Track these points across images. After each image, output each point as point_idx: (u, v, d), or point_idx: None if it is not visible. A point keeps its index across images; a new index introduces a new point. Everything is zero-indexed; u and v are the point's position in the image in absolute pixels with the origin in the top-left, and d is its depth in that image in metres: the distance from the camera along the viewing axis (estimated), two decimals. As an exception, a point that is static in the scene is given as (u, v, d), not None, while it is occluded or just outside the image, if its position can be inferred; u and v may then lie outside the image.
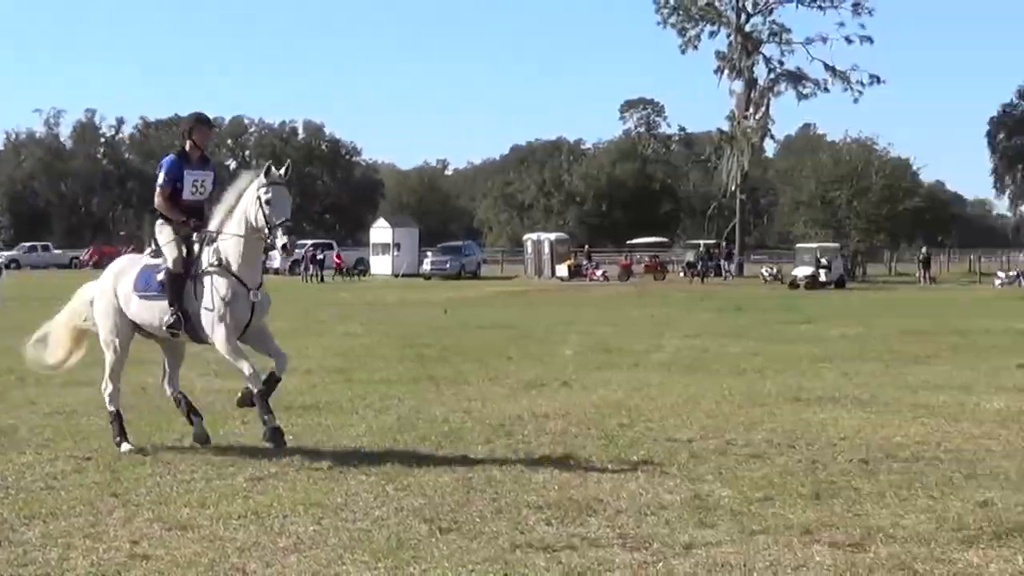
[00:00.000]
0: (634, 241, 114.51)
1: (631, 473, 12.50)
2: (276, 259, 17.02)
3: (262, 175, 13.70)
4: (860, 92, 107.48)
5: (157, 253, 14.20)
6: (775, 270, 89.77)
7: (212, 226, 13.89)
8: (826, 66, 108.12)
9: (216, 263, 13.64)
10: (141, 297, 14.05)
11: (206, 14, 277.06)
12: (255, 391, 13.45)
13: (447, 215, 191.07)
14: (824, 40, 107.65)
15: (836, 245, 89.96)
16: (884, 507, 11.09)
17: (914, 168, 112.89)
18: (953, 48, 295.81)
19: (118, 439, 14.10)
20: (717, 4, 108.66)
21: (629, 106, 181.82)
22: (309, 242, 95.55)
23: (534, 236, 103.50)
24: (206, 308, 13.58)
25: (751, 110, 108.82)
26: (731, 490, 11.76)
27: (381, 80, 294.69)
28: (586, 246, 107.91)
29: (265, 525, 10.39)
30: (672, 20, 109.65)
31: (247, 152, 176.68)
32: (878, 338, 32.44)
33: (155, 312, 13.92)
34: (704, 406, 17.83)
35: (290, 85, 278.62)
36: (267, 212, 13.50)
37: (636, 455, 13.71)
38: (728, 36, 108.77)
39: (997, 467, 13.07)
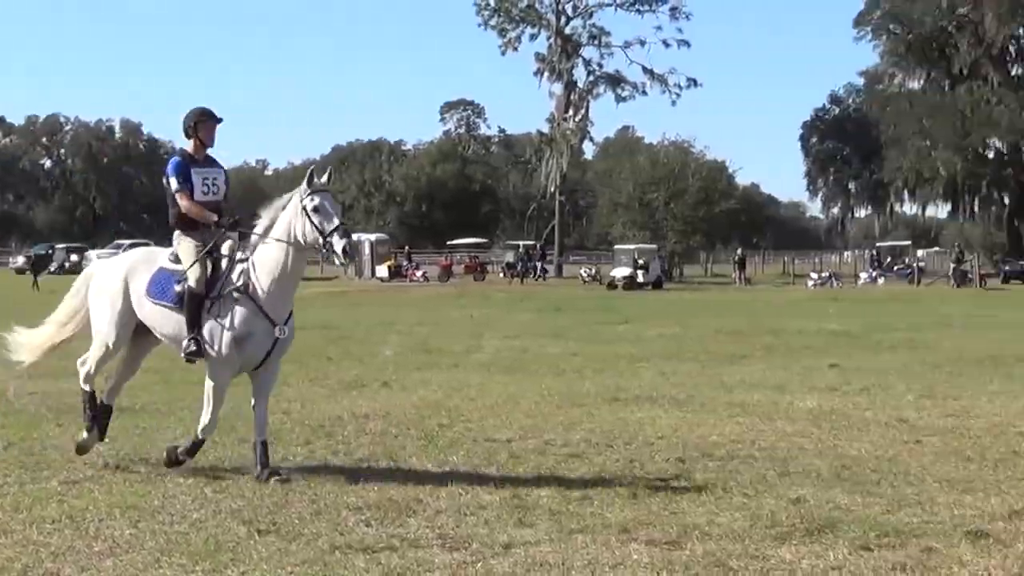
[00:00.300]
0: (454, 242, 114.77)
1: (451, 473, 12.50)
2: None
3: (304, 184, 12.62)
4: (678, 95, 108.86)
5: (177, 259, 12.87)
6: (593, 271, 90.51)
7: (256, 231, 12.78)
8: (644, 69, 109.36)
9: (242, 288, 12.49)
10: (155, 304, 12.86)
11: (23, 10, 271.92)
12: (200, 439, 12.70)
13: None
14: (642, 43, 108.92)
15: (653, 246, 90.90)
16: (700, 505, 11.23)
17: (730, 171, 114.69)
18: (769, 53, 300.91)
19: (88, 424, 13.28)
20: (537, 6, 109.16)
21: (449, 107, 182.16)
22: (127, 242, 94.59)
23: (354, 237, 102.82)
24: (215, 334, 12.43)
25: (570, 112, 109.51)
26: (550, 490, 11.81)
27: (200, 79, 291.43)
28: (406, 247, 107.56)
29: (80, 529, 10.22)
30: (493, 22, 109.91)
31: (62, 151, 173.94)
32: (694, 338, 32.85)
33: (168, 322, 12.78)
34: (523, 406, 17.91)
35: (107, 84, 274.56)
36: (317, 221, 12.41)
37: (456, 455, 13.74)
38: (548, 38, 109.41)
39: (809, 465, 13.31)
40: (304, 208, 12.49)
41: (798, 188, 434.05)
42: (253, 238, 12.75)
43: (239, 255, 12.70)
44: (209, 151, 13.24)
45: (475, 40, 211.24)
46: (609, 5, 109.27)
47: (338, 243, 12.36)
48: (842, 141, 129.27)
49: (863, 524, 10.36)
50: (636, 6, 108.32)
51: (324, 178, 12.69)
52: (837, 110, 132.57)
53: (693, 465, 13.30)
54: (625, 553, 9.51)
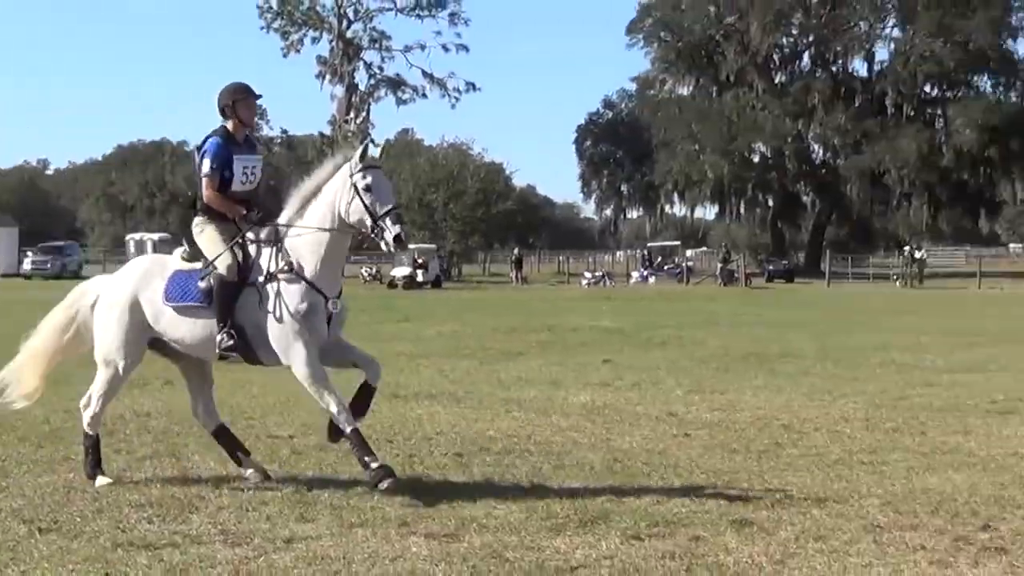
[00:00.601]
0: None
1: (233, 470, 12.37)
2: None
3: (355, 158, 11.34)
4: (457, 98, 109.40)
5: (193, 256, 11.72)
6: (374, 270, 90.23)
7: (281, 220, 11.60)
8: (424, 73, 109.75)
9: (286, 268, 11.29)
10: (176, 309, 11.57)
11: None
12: (347, 429, 11.38)
13: (48, 215, 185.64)
14: (422, 48, 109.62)
15: (433, 246, 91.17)
16: (478, 498, 11.27)
17: (507, 172, 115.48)
18: (546, 58, 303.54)
19: (92, 471, 11.83)
20: (319, 10, 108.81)
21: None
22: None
23: (136, 236, 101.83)
24: (275, 322, 11.25)
25: (352, 114, 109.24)
26: (331, 485, 11.80)
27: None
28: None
29: None
30: (275, 25, 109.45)
31: None
32: (473, 336, 32.96)
33: (195, 328, 11.54)
34: (305, 404, 17.65)
35: None
36: (368, 201, 11.18)
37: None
38: (330, 42, 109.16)
39: (583, 458, 13.46)
40: (354, 184, 11.28)
41: (573, 190, 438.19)
42: (284, 221, 11.60)
43: (265, 240, 11.54)
44: (248, 132, 12.18)
45: (258, 42, 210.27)
46: (390, 10, 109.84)
47: (391, 229, 11.16)
48: (615, 144, 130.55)
49: (634, 515, 10.52)
50: (416, 11, 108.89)
51: (377, 152, 11.58)
52: (610, 114, 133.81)
53: (471, 459, 13.38)
54: (405, 546, 9.54)
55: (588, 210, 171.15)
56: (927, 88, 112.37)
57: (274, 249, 11.44)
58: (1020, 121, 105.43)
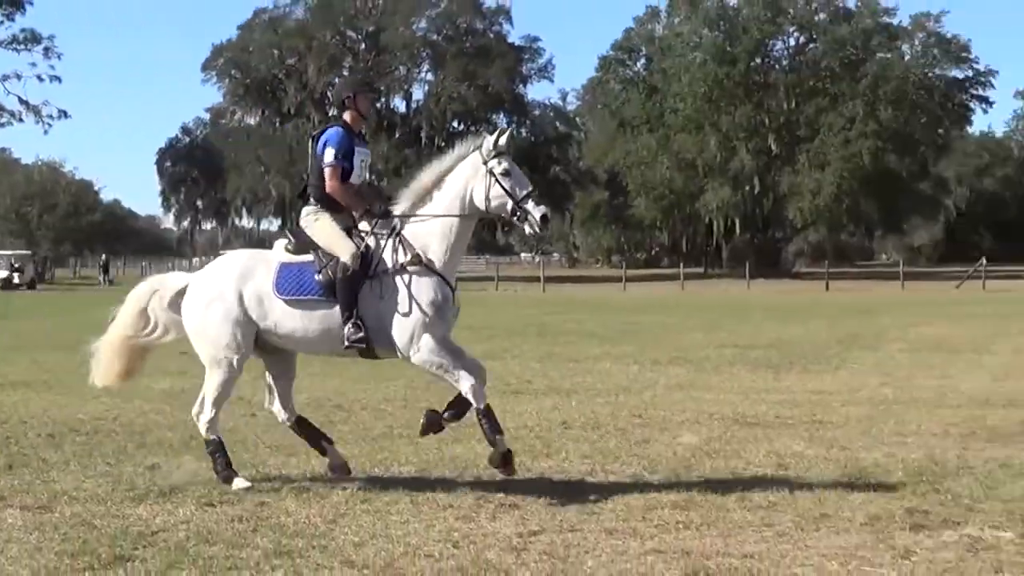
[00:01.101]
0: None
1: None
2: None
3: (488, 145, 10.09)
4: (50, 124, 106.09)
5: (300, 249, 10.26)
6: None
7: (398, 211, 10.28)
8: (20, 100, 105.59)
9: (415, 260, 9.95)
10: (289, 303, 10.11)
11: None
12: (479, 407, 10.05)
13: None
14: (19, 77, 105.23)
15: (29, 252, 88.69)
16: (68, 474, 11.00)
17: (96, 188, 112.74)
18: (131, 88, 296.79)
19: (225, 473, 10.41)
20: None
21: None
22: None
23: None
24: (401, 316, 9.91)
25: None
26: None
27: None
28: None
29: None
30: None
31: None
32: (65, 330, 31.87)
33: (311, 321, 10.09)
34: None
35: None
36: (508, 185, 9.96)
37: None
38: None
39: (163, 437, 13.27)
40: (491, 171, 10.04)
41: (154, 204, 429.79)
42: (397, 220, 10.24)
43: (380, 231, 10.18)
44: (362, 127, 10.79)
45: None
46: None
47: (536, 209, 9.97)
48: (192, 165, 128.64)
49: (207, 484, 10.43)
50: (13, 45, 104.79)
51: (503, 141, 10.15)
52: (188, 140, 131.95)
53: (62, 440, 12.99)
54: (1, 518, 9.19)
55: (168, 222, 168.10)
56: (455, 124, 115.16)
57: (394, 240, 10.14)
58: (530, 155, 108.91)
